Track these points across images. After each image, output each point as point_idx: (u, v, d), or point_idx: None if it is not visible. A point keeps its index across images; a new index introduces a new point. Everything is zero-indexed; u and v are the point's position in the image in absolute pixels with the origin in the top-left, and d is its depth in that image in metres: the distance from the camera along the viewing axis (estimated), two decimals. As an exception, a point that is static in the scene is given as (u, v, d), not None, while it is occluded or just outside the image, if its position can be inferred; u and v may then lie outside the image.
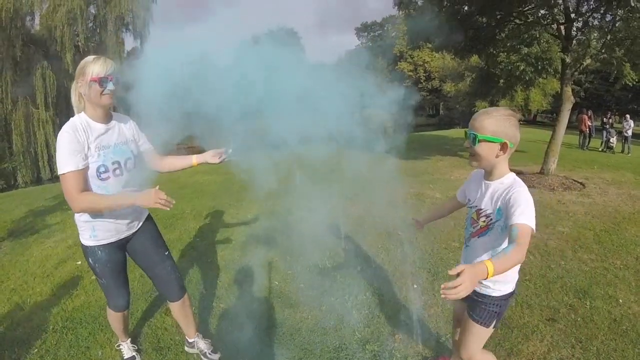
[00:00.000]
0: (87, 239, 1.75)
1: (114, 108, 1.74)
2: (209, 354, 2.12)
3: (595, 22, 6.68)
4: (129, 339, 2.18)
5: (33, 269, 3.49)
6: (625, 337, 2.17)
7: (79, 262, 3.53)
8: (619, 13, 5.96)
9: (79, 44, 14.81)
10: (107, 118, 1.68)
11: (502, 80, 8.85)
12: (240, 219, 4.60)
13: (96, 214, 1.66)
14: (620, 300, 2.55)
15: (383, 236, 3.64)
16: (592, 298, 2.57)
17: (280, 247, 3.43)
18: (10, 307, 2.79)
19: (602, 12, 6.42)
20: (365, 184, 5.72)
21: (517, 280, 1.49)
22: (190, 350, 2.17)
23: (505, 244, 1.38)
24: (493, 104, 26.50)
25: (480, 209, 1.42)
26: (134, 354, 2.15)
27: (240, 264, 3.31)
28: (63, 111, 14.49)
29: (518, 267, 1.47)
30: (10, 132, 13.19)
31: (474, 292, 1.51)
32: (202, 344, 2.14)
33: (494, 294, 1.46)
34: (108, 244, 1.76)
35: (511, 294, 1.51)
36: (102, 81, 1.56)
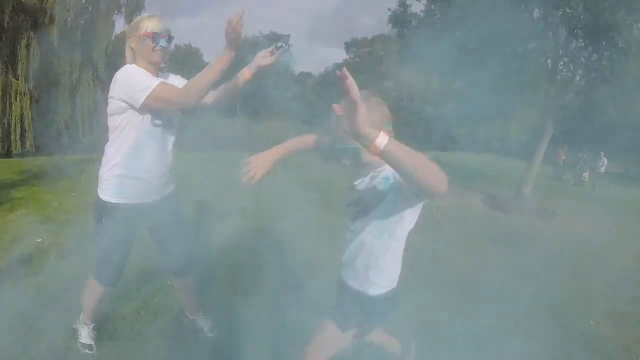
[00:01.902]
0: (109, 195, 1.62)
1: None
2: (207, 331, 2.14)
3: (582, 59, 6.96)
4: (93, 325, 1.98)
5: (-12, 241, 3.27)
6: (597, 355, 2.27)
7: (39, 240, 3.34)
8: (605, 53, 6.23)
9: (69, 19, 14.30)
10: (156, 74, 1.61)
11: (484, 108, 9.09)
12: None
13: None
14: (592, 322, 2.64)
15: None
16: (566, 318, 2.65)
17: (265, 258, 3.29)
18: (-43, 278, 2.58)
19: (589, 49, 6.69)
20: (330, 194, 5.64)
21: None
22: (189, 322, 2.18)
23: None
24: (473, 129, 27.07)
25: None
26: (91, 342, 1.95)
27: (229, 266, 3.18)
28: (42, 86, 13.90)
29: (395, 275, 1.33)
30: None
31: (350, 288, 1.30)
32: (203, 322, 2.15)
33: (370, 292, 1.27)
34: (131, 204, 1.63)
35: (381, 300, 1.28)
36: (155, 36, 1.55)
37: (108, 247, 1.69)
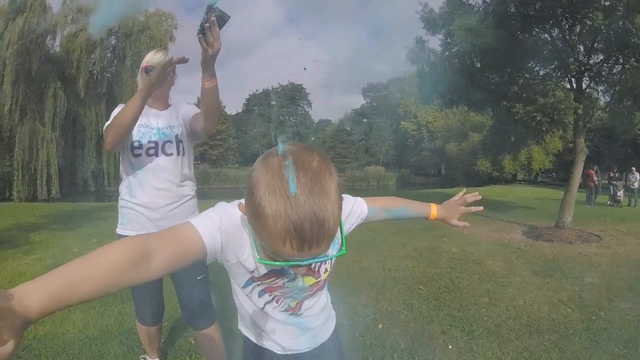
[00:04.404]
0: (119, 227, 1.64)
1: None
2: None
3: (603, 73, 6.75)
4: (157, 359, 1.92)
5: (2, 284, 3.14)
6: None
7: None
8: (629, 62, 6.02)
9: (95, 71, 15.12)
10: (161, 104, 1.64)
11: (512, 138, 8.86)
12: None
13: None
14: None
15: (403, 291, 3.28)
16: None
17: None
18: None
19: (610, 62, 6.50)
20: (374, 236, 5.48)
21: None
22: None
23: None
24: (497, 163, 26.44)
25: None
26: None
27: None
28: (69, 134, 14.51)
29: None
30: (13, 144, 13.09)
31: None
32: None
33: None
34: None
35: None
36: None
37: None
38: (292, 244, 0.58)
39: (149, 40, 14.84)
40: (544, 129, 6.87)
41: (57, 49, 14.33)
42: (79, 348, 2.11)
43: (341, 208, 0.63)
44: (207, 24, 1.10)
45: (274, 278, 0.84)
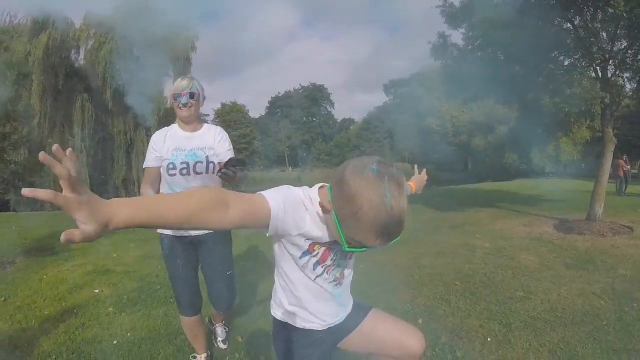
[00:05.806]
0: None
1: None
2: (220, 341, 2.28)
3: (628, 61, 6.51)
4: (205, 354, 2.06)
5: (45, 290, 3.31)
6: None
7: (97, 291, 3.32)
8: None
9: (121, 82, 15.56)
10: (192, 127, 1.88)
11: (540, 130, 8.67)
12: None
13: None
14: None
15: (440, 287, 3.32)
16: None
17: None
18: (12, 326, 2.57)
19: (634, 49, 6.27)
20: (405, 234, 5.42)
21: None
22: (210, 327, 2.34)
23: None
24: (524, 156, 25.56)
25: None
26: None
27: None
28: (98, 143, 15.04)
29: None
30: (43, 155, 13.66)
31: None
32: (219, 330, 2.30)
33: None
34: (171, 235, 1.86)
35: None
36: (175, 96, 1.82)
37: (171, 276, 1.94)
38: (382, 240, 0.80)
39: (171, 51, 15.19)
40: (572, 120, 6.66)
41: (82, 62, 14.88)
42: (129, 349, 2.24)
43: None
44: (227, 169, 1.64)
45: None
